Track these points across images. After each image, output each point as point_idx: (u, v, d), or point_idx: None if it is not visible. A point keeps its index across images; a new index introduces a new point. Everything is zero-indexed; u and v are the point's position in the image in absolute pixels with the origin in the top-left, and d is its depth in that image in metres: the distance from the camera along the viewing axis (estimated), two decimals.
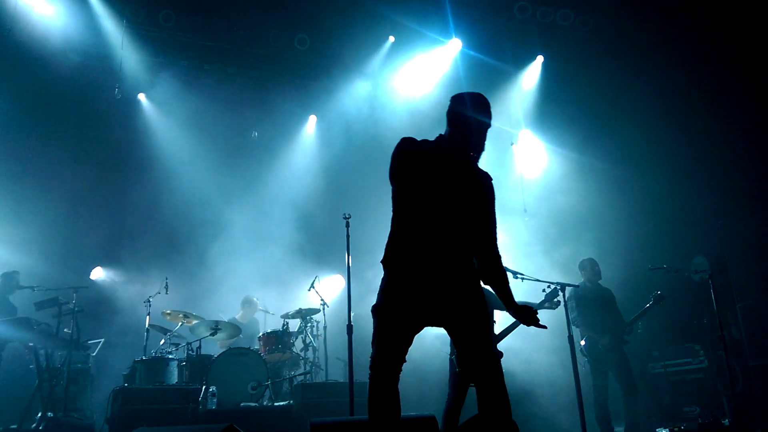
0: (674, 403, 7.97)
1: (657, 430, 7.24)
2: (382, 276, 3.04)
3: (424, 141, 3.13)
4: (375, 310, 2.99)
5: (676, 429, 6.59)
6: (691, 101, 8.88)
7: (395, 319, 2.89)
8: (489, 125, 3.16)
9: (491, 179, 3.22)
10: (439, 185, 2.93)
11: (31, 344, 7.03)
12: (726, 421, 5.46)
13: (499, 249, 3.15)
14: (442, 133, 3.22)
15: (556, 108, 10.11)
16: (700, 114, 8.72)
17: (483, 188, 3.14)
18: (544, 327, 3.06)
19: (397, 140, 3.07)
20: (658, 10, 8.91)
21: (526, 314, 3.02)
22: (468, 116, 3.10)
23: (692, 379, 7.89)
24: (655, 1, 8.89)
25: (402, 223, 3.02)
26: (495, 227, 3.15)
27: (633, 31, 9.31)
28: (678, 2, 8.72)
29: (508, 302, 3.08)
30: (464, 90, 3.29)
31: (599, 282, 7.11)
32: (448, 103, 3.26)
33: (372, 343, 2.98)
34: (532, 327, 3.07)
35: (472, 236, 3.04)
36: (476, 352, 2.85)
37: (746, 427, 5.51)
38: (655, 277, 7.05)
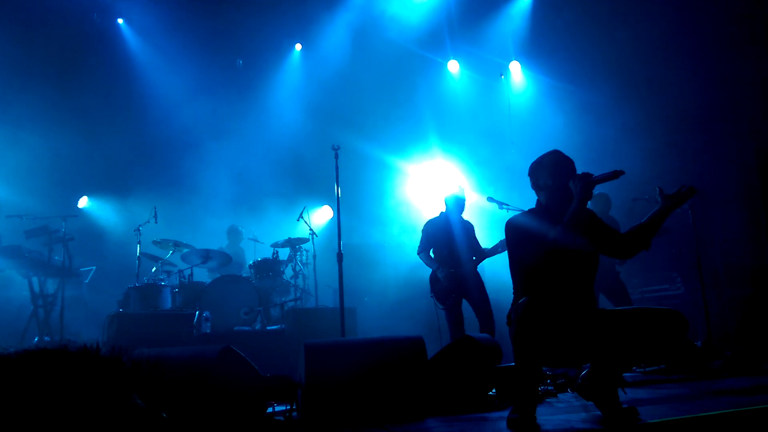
0: None
1: None
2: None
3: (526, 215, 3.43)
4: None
5: None
6: (679, 36, 8.74)
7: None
8: (574, 170, 3.37)
9: (592, 212, 3.53)
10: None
11: (23, 271, 7.14)
12: (698, 343, 5.80)
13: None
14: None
15: (547, 37, 9.93)
16: (689, 48, 8.62)
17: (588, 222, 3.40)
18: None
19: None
20: None
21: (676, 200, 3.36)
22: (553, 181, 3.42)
23: (669, 304, 8.18)
24: None
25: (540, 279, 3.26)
26: (608, 232, 3.47)
27: None
28: None
29: (661, 220, 3.38)
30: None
31: None
32: (529, 178, 3.54)
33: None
34: None
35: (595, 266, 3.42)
36: None
37: (716, 348, 5.86)
38: (637, 207, 7.16)
